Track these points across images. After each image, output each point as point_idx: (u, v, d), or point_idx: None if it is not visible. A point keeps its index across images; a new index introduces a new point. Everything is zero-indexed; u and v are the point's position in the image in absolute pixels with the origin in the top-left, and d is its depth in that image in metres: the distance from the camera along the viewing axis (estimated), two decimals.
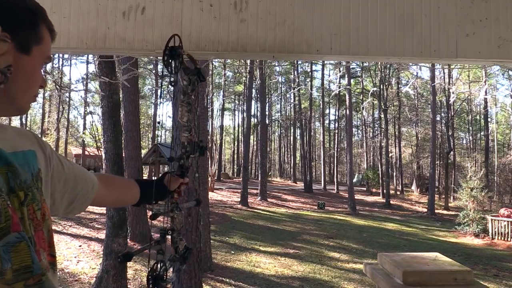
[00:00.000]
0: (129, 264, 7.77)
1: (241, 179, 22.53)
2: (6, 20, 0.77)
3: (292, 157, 43.32)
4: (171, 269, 1.34)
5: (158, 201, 1.43)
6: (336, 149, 35.52)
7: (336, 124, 38.89)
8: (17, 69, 0.79)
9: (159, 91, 36.72)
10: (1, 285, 0.69)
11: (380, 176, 30.34)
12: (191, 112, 1.44)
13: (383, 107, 30.19)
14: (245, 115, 29.31)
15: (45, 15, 0.86)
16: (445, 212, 24.05)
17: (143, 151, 17.79)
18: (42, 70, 0.88)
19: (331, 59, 2.23)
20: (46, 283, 0.76)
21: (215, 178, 27.23)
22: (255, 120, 34.34)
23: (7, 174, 0.76)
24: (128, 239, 8.36)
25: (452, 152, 30.92)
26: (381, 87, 30.12)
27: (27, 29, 0.81)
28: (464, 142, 43.57)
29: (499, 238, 14.54)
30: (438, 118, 29.32)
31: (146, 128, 40.12)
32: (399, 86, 34.66)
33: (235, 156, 47.43)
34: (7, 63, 0.68)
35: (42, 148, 0.93)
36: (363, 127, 40.41)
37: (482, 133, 38.22)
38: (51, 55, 0.90)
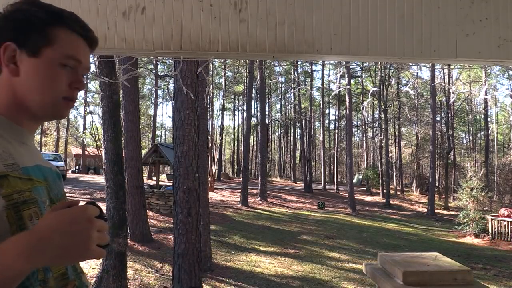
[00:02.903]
0: (129, 264, 7.77)
1: (241, 179, 22.52)
2: (19, 25, 0.85)
3: (292, 157, 43.32)
4: None
5: None
6: (336, 149, 35.50)
7: (336, 124, 38.87)
8: (26, 72, 0.85)
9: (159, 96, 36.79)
10: None
11: (380, 176, 30.33)
12: None
13: (383, 107, 30.19)
14: (245, 115, 29.32)
15: (63, 17, 0.88)
16: (445, 212, 24.06)
17: (143, 151, 17.79)
18: (72, 72, 0.89)
19: (331, 59, 2.23)
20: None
21: (215, 178, 27.22)
22: (255, 120, 34.33)
23: (47, 187, 0.87)
24: (128, 239, 8.36)
25: (452, 152, 30.91)
26: (381, 87, 30.12)
27: (36, 32, 0.86)
28: (464, 142, 43.58)
29: (499, 238, 14.54)
30: (438, 118, 29.32)
31: (146, 128, 40.14)
32: (399, 86, 34.66)
33: (235, 156, 47.42)
34: (106, 241, 0.73)
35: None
36: (363, 127, 40.40)
37: (482, 133, 38.23)
38: (74, 55, 0.88)
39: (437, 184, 29.18)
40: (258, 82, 22.68)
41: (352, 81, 32.60)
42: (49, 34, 0.86)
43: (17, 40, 0.84)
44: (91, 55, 1.04)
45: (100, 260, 6.58)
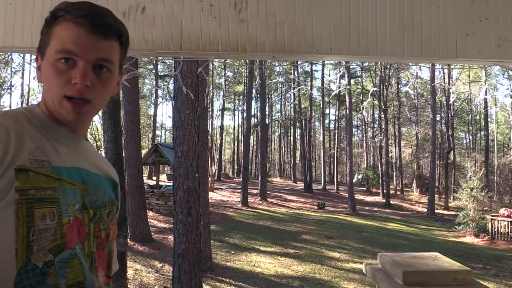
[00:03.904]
0: (129, 264, 7.77)
1: (241, 179, 22.52)
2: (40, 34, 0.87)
3: (292, 157, 43.30)
4: None
5: None
6: (336, 149, 35.49)
7: (336, 124, 38.86)
8: (42, 76, 0.85)
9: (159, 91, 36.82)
10: None
11: (380, 176, 30.31)
12: None
13: (383, 107, 30.18)
14: (245, 115, 29.33)
15: (62, 11, 0.82)
16: (445, 212, 24.05)
17: (143, 151, 17.78)
18: (69, 67, 0.81)
19: (331, 59, 2.23)
20: None
21: (215, 178, 27.21)
22: (255, 120, 34.32)
23: (83, 192, 0.84)
24: (128, 239, 8.36)
25: (452, 152, 30.90)
26: (381, 87, 30.10)
27: (44, 35, 0.86)
28: (464, 142, 43.57)
29: (499, 238, 14.54)
30: (438, 118, 29.31)
31: (146, 128, 40.13)
32: (399, 86, 34.64)
33: (235, 156, 47.41)
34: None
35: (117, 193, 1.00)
36: (363, 127, 40.41)
37: (482, 133, 38.23)
38: (65, 48, 0.80)
39: (437, 184, 29.15)
40: (258, 82, 22.68)
41: (352, 81, 32.60)
42: (49, 32, 0.84)
43: (39, 48, 0.87)
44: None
45: None
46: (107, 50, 0.84)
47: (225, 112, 43.86)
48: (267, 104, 35.96)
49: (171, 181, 9.56)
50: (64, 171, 0.80)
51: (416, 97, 35.52)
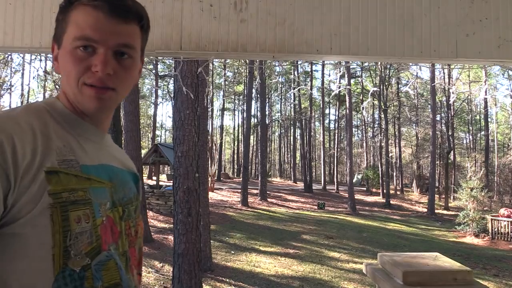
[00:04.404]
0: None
1: (241, 179, 22.52)
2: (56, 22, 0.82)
3: (292, 157, 43.31)
4: None
5: None
6: (336, 149, 35.49)
7: (336, 124, 38.87)
8: (60, 66, 0.80)
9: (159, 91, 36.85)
10: None
11: (380, 176, 30.31)
12: None
13: (383, 107, 30.17)
14: (245, 115, 29.32)
15: None
16: (445, 212, 24.05)
17: (143, 151, 17.79)
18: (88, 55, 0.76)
19: (331, 59, 2.23)
20: None
21: (215, 178, 27.22)
22: (255, 120, 34.33)
23: (111, 189, 0.80)
24: None
25: (452, 152, 30.89)
26: (381, 87, 30.10)
27: (60, 21, 0.80)
28: (464, 142, 43.58)
29: (499, 238, 14.54)
30: (438, 118, 29.30)
31: (146, 128, 40.14)
32: (399, 86, 34.65)
33: (235, 156, 47.41)
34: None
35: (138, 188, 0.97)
36: (363, 127, 40.41)
37: (482, 133, 38.23)
38: (83, 34, 0.75)
39: (437, 184, 29.14)
40: (258, 82, 22.67)
41: (352, 81, 32.60)
42: (65, 18, 0.78)
43: (55, 36, 0.82)
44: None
45: None
46: (128, 35, 0.78)
47: (225, 112, 43.91)
48: (267, 104, 35.98)
49: (171, 181, 9.56)
50: (92, 170, 0.77)
51: (416, 97, 35.52)
